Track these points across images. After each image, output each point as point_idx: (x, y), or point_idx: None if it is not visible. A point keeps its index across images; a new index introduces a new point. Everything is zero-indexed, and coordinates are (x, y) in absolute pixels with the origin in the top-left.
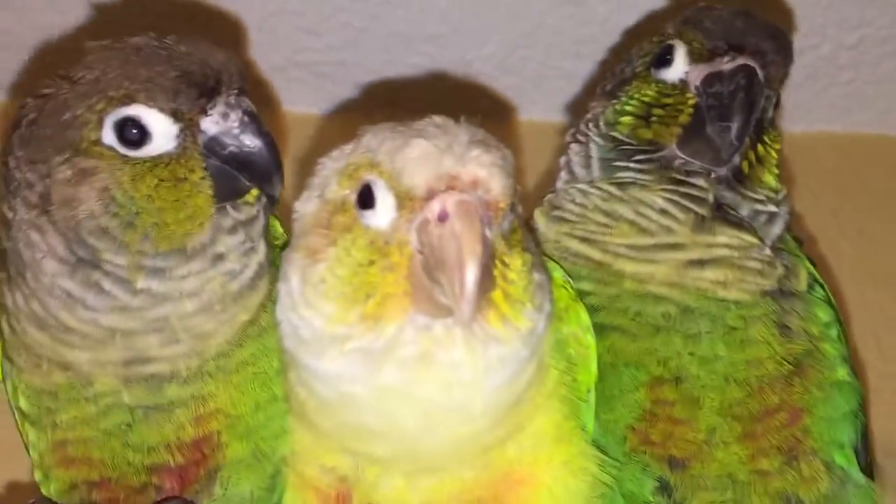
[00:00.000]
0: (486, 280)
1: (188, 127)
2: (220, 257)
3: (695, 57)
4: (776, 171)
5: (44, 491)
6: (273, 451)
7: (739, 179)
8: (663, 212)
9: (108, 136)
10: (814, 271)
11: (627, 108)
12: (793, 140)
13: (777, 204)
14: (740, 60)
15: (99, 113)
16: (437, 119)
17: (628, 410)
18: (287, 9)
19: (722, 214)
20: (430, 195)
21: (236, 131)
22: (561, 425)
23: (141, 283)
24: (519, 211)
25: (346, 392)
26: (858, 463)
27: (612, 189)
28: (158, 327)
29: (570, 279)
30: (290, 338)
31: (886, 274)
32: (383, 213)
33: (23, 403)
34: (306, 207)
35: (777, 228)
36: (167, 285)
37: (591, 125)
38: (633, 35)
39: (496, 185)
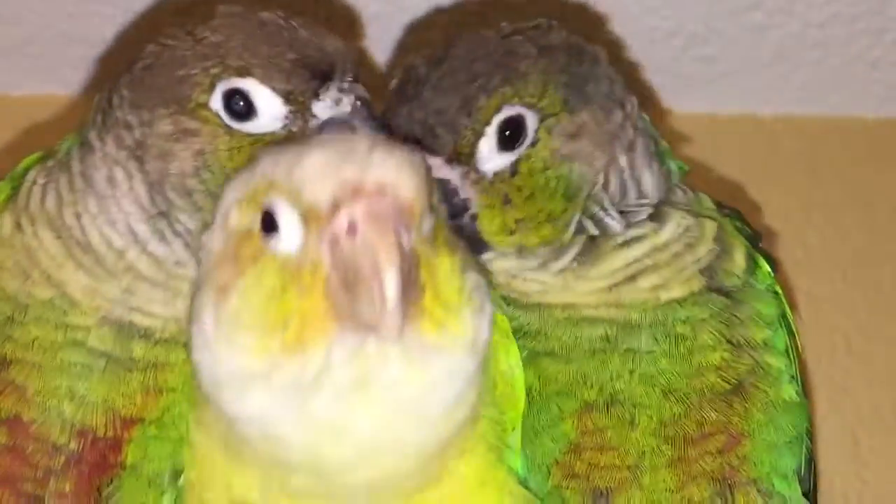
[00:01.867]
0: (411, 289)
1: (299, 110)
2: None
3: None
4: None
5: None
6: (161, 474)
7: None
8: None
9: (216, 102)
10: (756, 256)
11: None
12: (760, 124)
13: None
14: None
15: (213, 77)
16: (335, 133)
17: (555, 444)
18: None
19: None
20: (336, 207)
21: (348, 116)
22: (486, 471)
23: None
24: (441, 211)
25: (272, 433)
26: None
27: None
28: (171, 287)
29: (500, 308)
30: (208, 380)
31: (857, 269)
32: (289, 235)
33: None
34: (212, 242)
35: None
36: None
37: None
38: None
39: (406, 187)
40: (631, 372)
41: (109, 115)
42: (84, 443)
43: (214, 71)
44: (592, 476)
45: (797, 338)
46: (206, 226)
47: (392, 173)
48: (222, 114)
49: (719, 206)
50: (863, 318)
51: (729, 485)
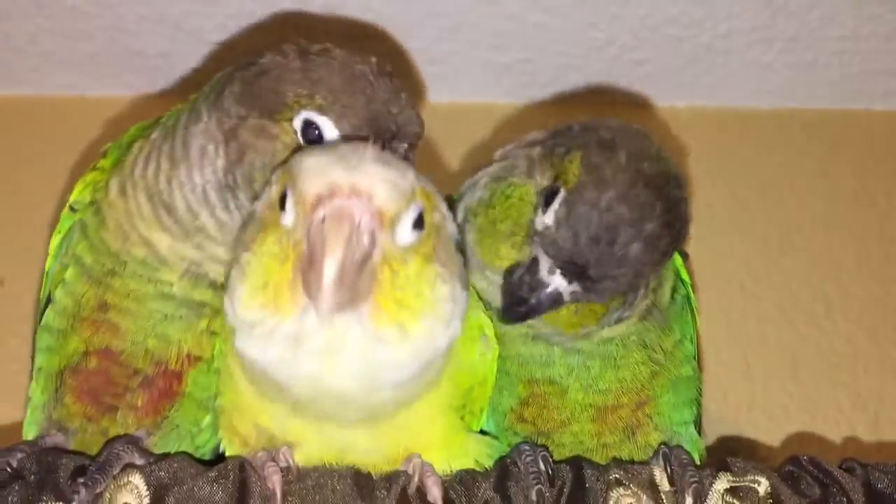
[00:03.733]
0: (360, 281)
1: None
2: None
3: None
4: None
5: (44, 360)
6: (208, 399)
7: None
8: None
9: (297, 122)
10: (683, 273)
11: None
12: (677, 113)
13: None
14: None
15: (301, 105)
16: (360, 143)
17: (510, 398)
18: None
19: None
20: (317, 201)
21: None
22: (449, 431)
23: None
24: (447, 230)
25: (266, 371)
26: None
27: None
28: (230, 245)
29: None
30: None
31: (751, 228)
32: (289, 213)
33: (86, 255)
34: (257, 206)
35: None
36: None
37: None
38: None
39: (381, 194)
40: (569, 373)
41: (220, 99)
42: (158, 371)
43: (304, 101)
44: (537, 421)
45: (698, 329)
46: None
47: (369, 181)
48: (299, 133)
49: None
50: (754, 268)
51: (633, 430)
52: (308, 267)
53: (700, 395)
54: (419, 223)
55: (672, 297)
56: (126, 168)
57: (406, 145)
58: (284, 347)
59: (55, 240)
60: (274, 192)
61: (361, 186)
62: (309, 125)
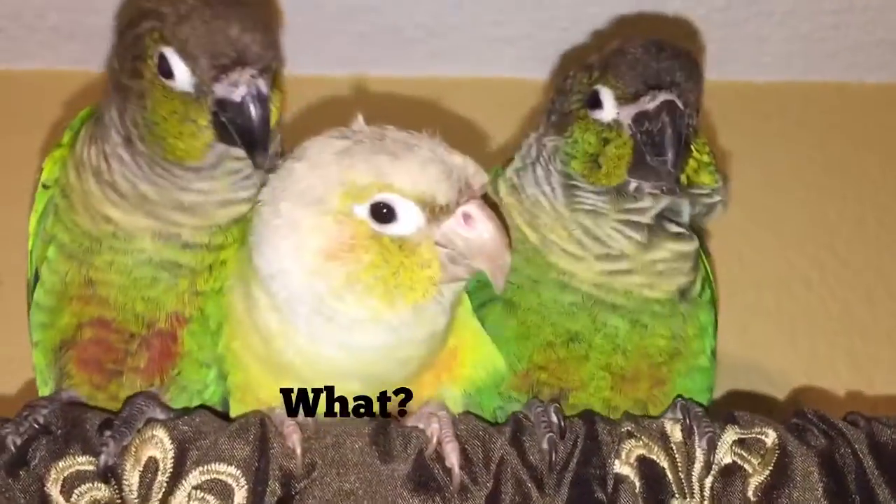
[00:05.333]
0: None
1: (202, 84)
2: (215, 178)
3: (621, 100)
4: (711, 169)
5: (41, 335)
6: (207, 358)
7: (682, 188)
8: (609, 236)
9: (155, 59)
10: (708, 270)
11: (576, 153)
12: None
13: (715, 194)
14: (660, 97)
15: (154, 40)
16: (412, 136)
17: (522, 362)
18: None
19: (662, 227)
20: (456, 206)
21: (236, 105)
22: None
23: (155, 174)
24: None
25: (356, 350)
26: None
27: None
28: (175, 203)
29: None
30: (315, 321)
31: (749, 198)
32: (408, 223)
33: (62, 235)
34: (291, 212)
35: (713, 215)
36: (173, 187)
37: (550, 157)
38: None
39: (478, 174)
40: (594, 329)
41: (112, 59)
42: (152, 331)
43: (155, 35)
44: (553, 385)
45: (716, 325)
46: (151, 153)
47: (481, 176)
48: (156, 70)
49: None
50: (752, 237)
51: (645, 405)
52: (477, 260)
53: (713, 385)
54: None
55: (700, 293)
56: (77, 150)
57: (255, 71)
58: (389, 335)
59: (33, 219)
60: (345, 205)
61: (482, 183)
62: (162, 59)
